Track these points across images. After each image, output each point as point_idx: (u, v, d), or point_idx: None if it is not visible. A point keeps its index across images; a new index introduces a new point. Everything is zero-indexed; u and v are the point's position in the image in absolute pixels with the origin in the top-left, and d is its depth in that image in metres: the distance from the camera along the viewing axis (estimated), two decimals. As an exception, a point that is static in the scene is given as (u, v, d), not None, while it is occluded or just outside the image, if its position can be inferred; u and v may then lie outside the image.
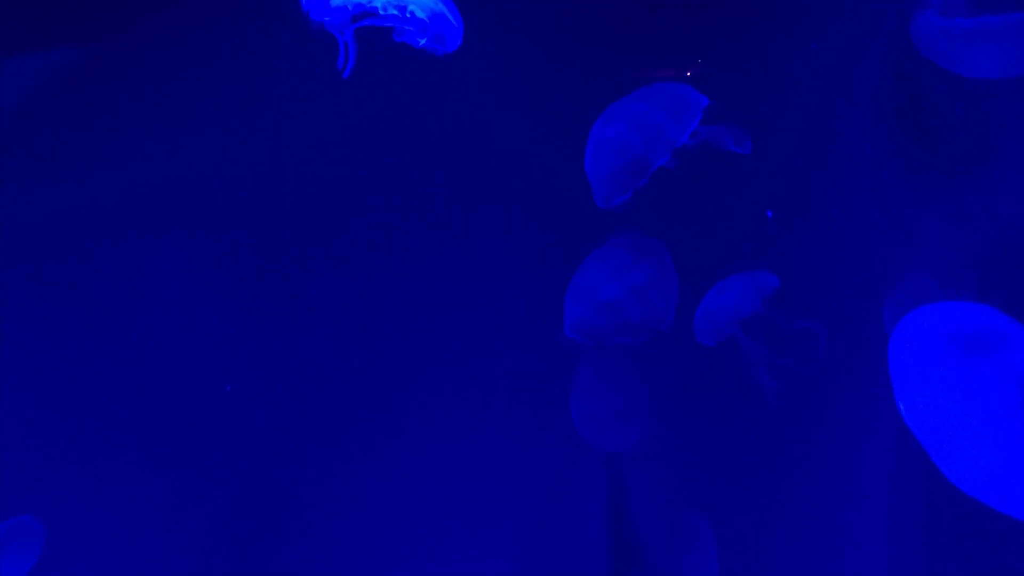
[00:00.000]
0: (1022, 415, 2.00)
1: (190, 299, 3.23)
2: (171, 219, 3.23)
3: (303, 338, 3.23)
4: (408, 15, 2.74)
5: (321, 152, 3.22)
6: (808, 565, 2.97)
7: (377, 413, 3.19)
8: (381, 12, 2.64)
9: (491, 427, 3.14)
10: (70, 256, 3.22)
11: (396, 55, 2.75)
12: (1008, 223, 2.90)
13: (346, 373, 3.21)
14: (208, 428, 3.17)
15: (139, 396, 3.18)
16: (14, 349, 3.14)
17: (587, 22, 3.17)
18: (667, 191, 2.68)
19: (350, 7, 2.57)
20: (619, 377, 3.09)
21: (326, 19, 2.56)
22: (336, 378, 3.21)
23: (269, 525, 3.17)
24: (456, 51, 2.86)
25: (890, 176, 3.03)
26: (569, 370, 3.07)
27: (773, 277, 2.81)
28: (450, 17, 2.81)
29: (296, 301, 3.24)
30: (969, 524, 2.14)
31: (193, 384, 3.19)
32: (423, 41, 2.78)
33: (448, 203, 3.20)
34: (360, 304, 3.23)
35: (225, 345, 3.23)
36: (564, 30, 3.18)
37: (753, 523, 2.98)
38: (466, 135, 3.18)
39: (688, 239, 2.99)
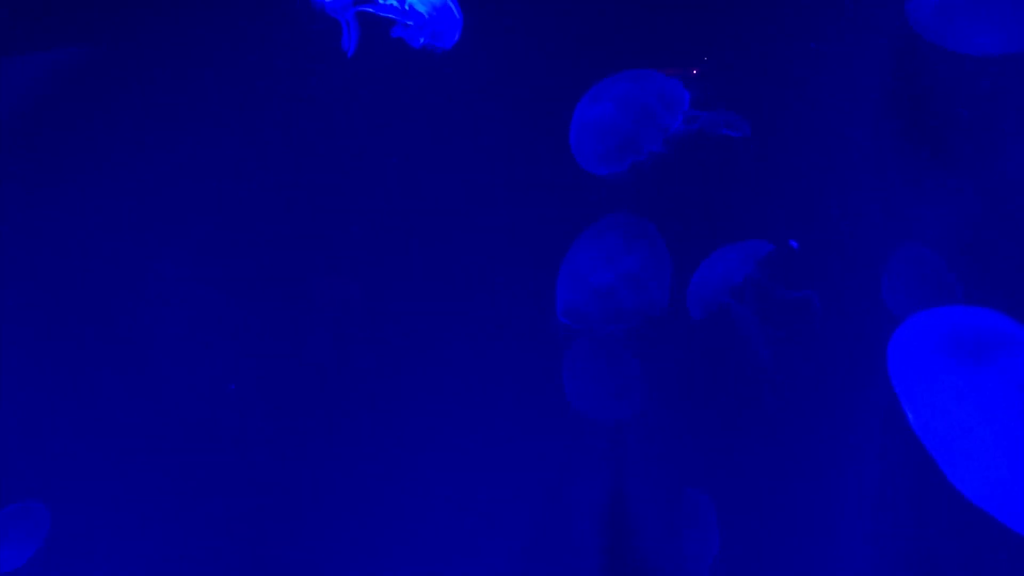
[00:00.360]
0: None
1: (193, 298, 3.23)
2: (173, 218, 3.24)
3: (303, 325, 3.23)
4: (407, 8, 2.74)
5: (320, 149, 3.23)
6: (809, 539, 2.94)
7: (377, 403, 3.18)
8: (380, 0, 2.65)
9: (490, 411, 3.12)
10: (72, 256, 3.22)
11: (393, 52, 2.76)
12: (1010, 208, 2.89)
13: (345, 365, 3.20)
14: (211, 425, 3.16)
15: (144, 393, 3.18)
16: (21, 347, 3.15)
17: (587, 21, 3.18)
18: (660, 173, 2.68)
19: (350, -9, 2.58)
20: (614, 355, 3.05)
21: (326, 2, 2.57)
22: (336, 370, 3.20)
23: (271, 518, 3.16)
24: (454, 47, 2.86)
25: (889, 159, 3.03)
26: (564, 352, 3.05)
27: (766, 244, 2.78)
28: (452, 9, 2.81)
29: (296, 292, 3.24)
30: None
31: (197, 382, 3.18)
32: (422, 40, 2.78)
33: (446, 196, 3.21)
34: (361, 293, 3.23)
35: (228, 343, 3.22)
36: (565, 29, 3.20)
37: (754, 498, 2.96)
38: (464, 132, 3.19)
39: (682, 221, 2.98)
